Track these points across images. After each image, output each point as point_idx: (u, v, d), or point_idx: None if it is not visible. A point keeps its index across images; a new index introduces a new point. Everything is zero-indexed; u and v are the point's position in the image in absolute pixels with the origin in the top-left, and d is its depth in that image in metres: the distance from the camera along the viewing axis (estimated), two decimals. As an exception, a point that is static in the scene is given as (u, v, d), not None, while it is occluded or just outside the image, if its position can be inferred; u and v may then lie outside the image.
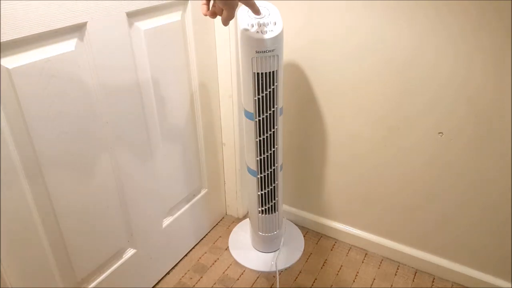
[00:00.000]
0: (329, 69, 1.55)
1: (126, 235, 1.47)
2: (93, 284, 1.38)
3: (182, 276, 1.70)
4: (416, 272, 1.70)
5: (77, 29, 1.11)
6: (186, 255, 1.81)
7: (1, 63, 0.96)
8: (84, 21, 1.11)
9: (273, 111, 1.42)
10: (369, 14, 1.38)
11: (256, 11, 1.20)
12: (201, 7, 1.12)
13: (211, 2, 1.10)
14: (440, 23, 1.28)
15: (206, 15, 1.11)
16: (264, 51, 1.30)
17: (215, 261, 1.78)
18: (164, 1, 1.35)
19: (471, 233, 1.54)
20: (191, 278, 1.69)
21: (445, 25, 1.28)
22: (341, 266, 1.74)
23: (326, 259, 1.77)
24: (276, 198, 1.63)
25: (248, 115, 1.44)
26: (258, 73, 1.34)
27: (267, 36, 1.28)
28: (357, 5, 1.39)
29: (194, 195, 1.81)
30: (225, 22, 1.10)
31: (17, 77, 0.99)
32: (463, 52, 1.29)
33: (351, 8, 1.40)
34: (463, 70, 1.31)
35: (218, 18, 1.11)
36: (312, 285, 1.65)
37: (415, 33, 1.33)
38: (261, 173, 1.55)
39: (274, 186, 1.59)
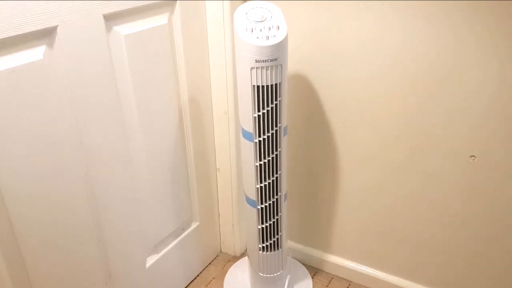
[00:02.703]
0: (340, 81, 1.55)
1: (104, 276, 1.45)
2: (63, 336, 1.35)
3: (169, 326, 1.68)
4: (444, 320, 1.67)
5: (46, 34, 1.11)
6: (173, 300, 1.79)
7: (-45, 74, 0.96)
8: (54, 25, 1.11)
9: (276, 130, 1.42)
10: (392, 18, 1.39)
11: None
12: None
13: None
14: (477, 28, 1.28)
15: None
16: (265, 60, 1.30)
17: (208, 308, 1.76)
18: (148, 2, 1.35)
19: (509, 274, 1.51)
20: (179, 328, 1.67)
21: (485, 31, 1.28)
22: (357, 313, 1.72)
23: (339, 305, 1.75)
24: (279, 233, 1.62)
25: (246, 135, 1.43)
26: (258, 86, 1.34)
27: (268, 42, 1.28)
28: (373, 7, 1.39)
29: (184, 229, 1.81)
30: None
31: (-26, 90, 0.99)
32: (497, 60, 1.29)
33: (366, 11, 1.42)
34: (497, 82, 1.31)
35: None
36: (323, 336, 1.63)
37: (446, 39, 1.33)
38: (261, 203, 1.54)
39: (277, 219, 1.58)
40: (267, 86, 1.34)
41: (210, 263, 1.99)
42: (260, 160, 1.46)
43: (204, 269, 1.95)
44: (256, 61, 1.30)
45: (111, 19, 1.25)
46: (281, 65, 1.33)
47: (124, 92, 1.35)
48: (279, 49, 1.30)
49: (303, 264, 1.95)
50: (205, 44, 1.63)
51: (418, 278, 1.72)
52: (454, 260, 1.60)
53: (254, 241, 1.65)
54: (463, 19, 1.28)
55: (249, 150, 1.46)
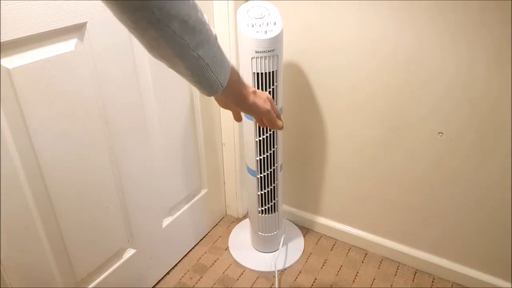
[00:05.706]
0: (329, 69, 1.55)
1: (126, 235, 1.47)
2: (93, 284, 1.38)
3: (182, 276, 1.70)
4: (416, 272, 1.70)
5: (77, 29, 1.11)
6: (186, 255, 1.81)
7: (1, 63, 0.97)
8: (84, 21, 1.11)
9: (273, 111, 1.41)
10: (372, 15, 1.38)
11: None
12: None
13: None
14: (443, 22, 1.28)
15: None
16: (264, 51, 1.30)
17: (215, 261, 1.78)
18: (164, 1, 1.34)
19: (471, 233, 1.54)
20: (191, 278, 1.69)
21: (448, 25, 1.28)
22: (341, 266, 1.74)
23: (326, 259, 1.78)
24: (276, 198, 1.63)
25: (247, 115, 1.44)
26: (258, 73, 1.35)
27: (267, 36, 1.29)
28: (356, 8, 1.39)
29: (194, 195, 1.81)
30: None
31: (17, 77, 1.00)
32: (456, 50, 1.30)
33: (350, 11, 1.40)
34: (464, 70, 1.32)
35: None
36: (312, 285, 1.65)
37: (418, 33, 1.34)
38: (261, 173, 1.55)
39: (274, 186, 1.59)
40: (266, 73, 1.34)
41: (217, 224, 1.99)
42: (260, 136, 1.47)
43: (211, 229, 1.96)
44: (256, 51, 1.30)
45: (132, 15, 1.25)
46: (278, 55, 1.33)
47: (143, 78, 1.34)
48: (276, 41, 1.30)
49: (296, 225, 1.96)
50: (213, 37, 1.61)
51: (392, 236, 1.73)
52: (422, 220, 1.62)
53: (254, 205, 1.66)
54: (428, 16, 1.28)
55: (250, 127, 1.47)
